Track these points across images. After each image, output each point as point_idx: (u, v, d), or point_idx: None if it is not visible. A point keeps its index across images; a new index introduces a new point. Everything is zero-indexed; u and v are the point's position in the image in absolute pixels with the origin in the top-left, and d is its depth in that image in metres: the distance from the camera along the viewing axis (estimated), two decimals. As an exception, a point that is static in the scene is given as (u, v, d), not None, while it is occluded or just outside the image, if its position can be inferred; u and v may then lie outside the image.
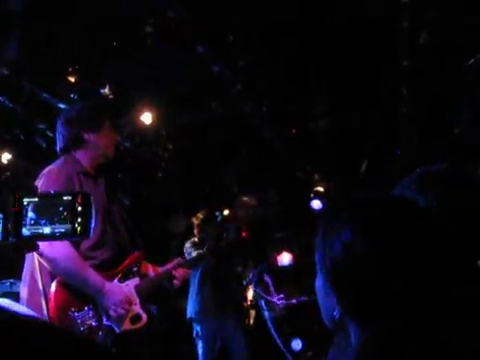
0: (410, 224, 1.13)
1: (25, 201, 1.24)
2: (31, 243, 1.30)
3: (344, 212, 1.18)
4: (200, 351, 5.41)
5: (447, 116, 6.43)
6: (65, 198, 1.27)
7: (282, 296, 7.93)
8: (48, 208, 1.26)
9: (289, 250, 8.68)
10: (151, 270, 3.30)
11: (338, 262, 1.13)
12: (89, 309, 2.88)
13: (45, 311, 2.85)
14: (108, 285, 2.92)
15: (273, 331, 7.62)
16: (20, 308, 2.53)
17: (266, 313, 7.66)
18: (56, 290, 2.89)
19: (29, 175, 6.63)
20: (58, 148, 3.19)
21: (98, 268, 2.93)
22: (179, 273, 3.32)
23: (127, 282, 3.06)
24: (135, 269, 3.12)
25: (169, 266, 3.37)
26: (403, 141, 7.04)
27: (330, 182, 8.42)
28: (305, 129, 7.27)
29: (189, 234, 6.75)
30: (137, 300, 3.04)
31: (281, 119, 7.08)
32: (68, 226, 1.25)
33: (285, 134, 7.38)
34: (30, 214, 1.24)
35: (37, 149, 6.43)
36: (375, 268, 1.09)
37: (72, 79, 5.71)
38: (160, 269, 3.37)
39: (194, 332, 5.46)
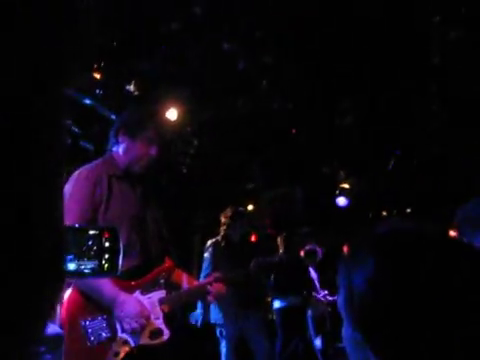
0: (437, 256, 1.00)
1: None
2: None
3: (365, 246, 1.06)
4: (223, 350, 5.40)
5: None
6: (91, 232, 1.21)
7: (327, 292, 7.69)
8: (73, 243, 1.21)
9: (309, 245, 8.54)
10: (185, 282, 3.12)
11: (366, 305, 0.99)
12: (103, 319, 2.73)
13: (58, 317, 2.77)
14: (123, 296, 2.76)
15: (312, 330, 7.38)
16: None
17: (309, 311, 7.41)
18: (70, 296, 2.76)
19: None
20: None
21: (121, 278, 2.75)
22: (215, 288, 3.10)
23: (150, 294, 2.88)
24: (162, 281, 2.94)
25: (205, 281, 3.21)
26: (433, 138, 6.90)
27: (356, 179, 8.30)
28: (331, 125, 7.16)
29: (212, 229, 6.70)
30: (160, 314, 2.85)
31: (307, 115, 6.97)
32: (95, 263, 1.19)
33: (311, 130, 7.27)
34: None
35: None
36: (404, 308, 0.96)
37: (97, 75, 5.68)
38: (195, 282, 3.21)
39: (217, 331, 5.44)
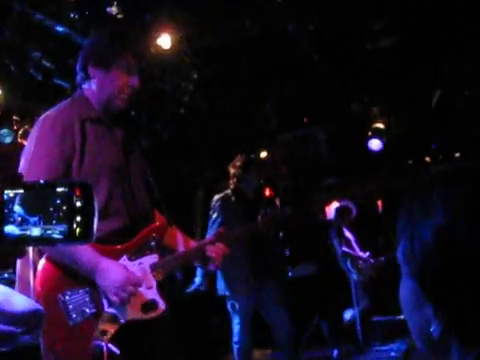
0: None
1: (9, 193, 1.14)
2: (17, 247, 1.20)
3: (434, 189, 1.07)
4: (236, 328, 5.36)
5: None
6: (59, 189, 1.16)
7: (369, 254, 7.85)
8: (38, 203, 1.15)
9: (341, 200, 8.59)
10: (181, 244, 3.08)
11: (431, 256, 1.02)
12: (85, 292, 2.71)
13: (32, 292, 2.75)
14: (105, 263, 2.71)
15: (355, 297, 7.55)
16: (15, 298, 2.48)
17: (354, 276, 7.59)
18: (44, 268, 2.74)
19: (26, 115, 6.61)
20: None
21: (102, 242, 2.71)
22: (217, 250, 3.02)
23: (140, 260, 2.85)
24: (153, 243, 2.89)
25: (205, 240, 3.13)
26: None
27: (393, 117, 8.21)
28: (362, 51, 7.03)
29: (218, 182, 6.70)
30: (153, 283, 2.84)
31: (332, 38, 6.85)
32: (64, 227, 1.14)
33: (337, 57, 7.17)
34: (17, 209, 1.15)
35: (32, 82, 6.33)
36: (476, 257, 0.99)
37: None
38: (193, 243, 3.13)
39: (228, 304, 5.41)
